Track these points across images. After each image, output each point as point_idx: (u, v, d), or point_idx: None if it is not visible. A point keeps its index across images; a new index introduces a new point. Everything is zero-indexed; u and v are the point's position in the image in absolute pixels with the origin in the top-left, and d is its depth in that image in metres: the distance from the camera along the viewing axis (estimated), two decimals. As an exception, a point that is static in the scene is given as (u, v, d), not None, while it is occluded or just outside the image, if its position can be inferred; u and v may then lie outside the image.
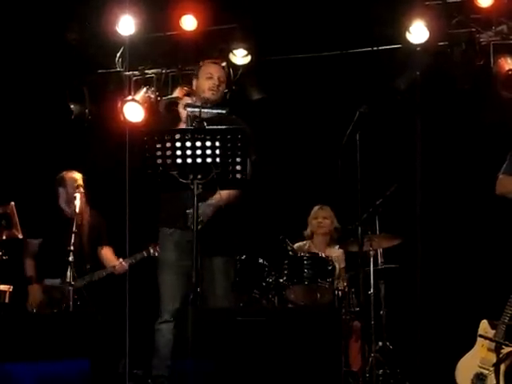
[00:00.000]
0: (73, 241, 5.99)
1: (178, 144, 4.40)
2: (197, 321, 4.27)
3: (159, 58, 7.49)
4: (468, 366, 5.45)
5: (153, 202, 5.40)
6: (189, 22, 7.03)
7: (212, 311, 4.94)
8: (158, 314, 5.29)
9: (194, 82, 5.54)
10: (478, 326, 5.50)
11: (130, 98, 7.37)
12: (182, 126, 5.06)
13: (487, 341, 5.39)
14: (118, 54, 7.30)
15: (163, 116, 5.59)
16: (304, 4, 6.85)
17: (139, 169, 4.53)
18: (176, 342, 4.82)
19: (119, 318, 5.54)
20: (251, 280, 6.30)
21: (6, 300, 6.35)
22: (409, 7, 6.67)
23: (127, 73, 7.53)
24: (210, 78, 5.40)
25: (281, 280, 6.37)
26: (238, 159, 4.44)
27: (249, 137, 5.21)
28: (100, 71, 7.66)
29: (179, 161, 4.41)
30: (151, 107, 7.38)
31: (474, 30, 6.77)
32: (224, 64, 5.63)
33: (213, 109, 5.07)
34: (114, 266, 6.54)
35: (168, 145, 4.41)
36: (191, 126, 4.77)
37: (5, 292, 6.35)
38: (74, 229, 6.06)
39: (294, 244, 6.84)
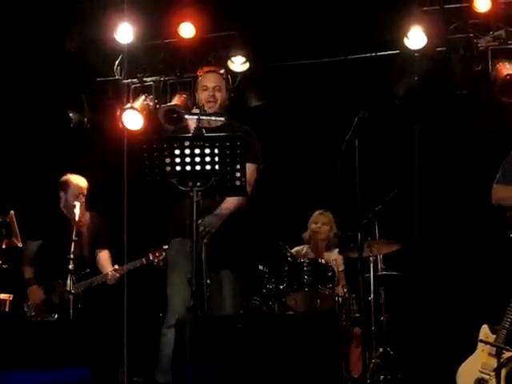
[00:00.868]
0: (72, 249, 6.00)
1: (177, 151, 4.42)
2: (197, 328, 4.28)
3: (158, 65, 7.51)
4: (469, 371, 5.43)
5: (152, 209, 5.40)
6: (187, 30, 7.04)
7: (212, 318, 4.93)
8: (163, 319, 5.31)
9: (196, 95, 5.58)
10: (478, 331, 5.49)
11: (128, 105, 7.39)
12: None
13: (488, 346, 5.37)
14: (117, 62, 7.31)
15: (172, 131, 5.55)
16: (302, 11, 6.87)
17: (138, 177, 4.53)
18: (176, 349, 4.81)
19: (119, 325, 5.52)
20: (251, 287, 6.30)
21: (7, 309, 6.34)
22: (407, 13, 6.69)
23: (126, 81, 7.55)
24: (205, 89, 5.45)
25: (281, 286, 6.38)
26: (237, 166, 4.46)
27: (256, 145, 5.27)
28: (99, 79, 7.69)
29: (178, 168, 4.43)
30: (150, 115, 7.40)
31: (471, 35, 6.80)
32: (222, 71, 5.64)
33: (211, 116, 5.08)
34: (107, 274, 6.53)
35: (167, 152, 4.43)
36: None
37: (5, 301, 6.34)
38: (74, 237, 6.06)
39: (292, 249, 6.84)
